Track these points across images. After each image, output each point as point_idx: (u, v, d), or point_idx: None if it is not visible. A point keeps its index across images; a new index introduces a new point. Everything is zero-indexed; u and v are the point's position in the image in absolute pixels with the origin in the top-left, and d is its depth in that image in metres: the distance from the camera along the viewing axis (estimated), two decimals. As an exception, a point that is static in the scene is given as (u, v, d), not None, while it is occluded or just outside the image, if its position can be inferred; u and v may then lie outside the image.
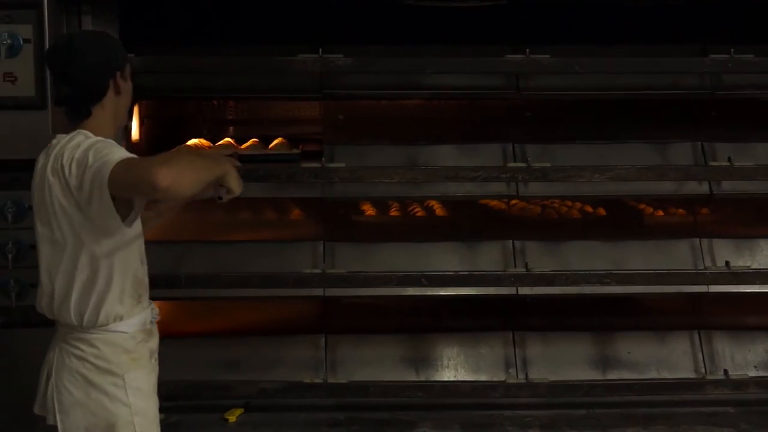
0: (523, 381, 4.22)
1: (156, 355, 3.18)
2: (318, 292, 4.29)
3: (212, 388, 4.18)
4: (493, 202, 4.97)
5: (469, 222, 4.89)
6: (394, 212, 5.05)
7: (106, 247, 2.96)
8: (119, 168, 2.80)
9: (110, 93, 3.10)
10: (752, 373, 4.37)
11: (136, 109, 4.57)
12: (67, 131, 3.08)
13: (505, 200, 4.83)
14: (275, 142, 4.36)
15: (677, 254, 4.47)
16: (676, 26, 4.48)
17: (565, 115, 4.75)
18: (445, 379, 4.39)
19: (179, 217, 4.71)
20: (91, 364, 2.98)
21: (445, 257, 4.42)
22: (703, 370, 4.41)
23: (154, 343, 3.17)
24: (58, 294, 3.02)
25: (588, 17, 4.37)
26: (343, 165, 4.21)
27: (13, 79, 3.78)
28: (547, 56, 4.18)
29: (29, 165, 3.76)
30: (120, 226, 2.95)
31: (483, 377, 4.38)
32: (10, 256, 3.79)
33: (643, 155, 4.54)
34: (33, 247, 3.76)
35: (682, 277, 4.25)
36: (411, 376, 4.37)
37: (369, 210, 4.99)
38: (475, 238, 4.50)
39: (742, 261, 4.42)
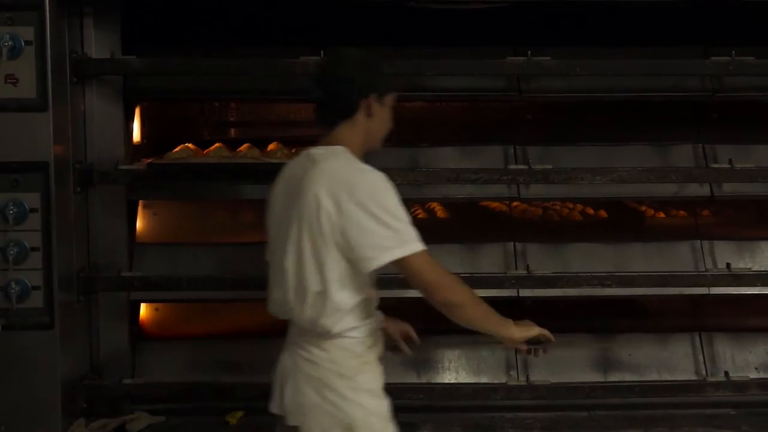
0: (524, 383, 4.22)
1: (381, 359, 3.24)
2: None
3: (212, 391, 4.17)
4: (495, 204, 4.97)
5: (471, 224, 4.89)
6: (395, 214, 5.04)
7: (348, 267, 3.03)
8: (423, 265, 3.04)
9: (361, 113, 3.12)
10: (753, 375, 4.37)
11: (137, 111, 4.57)
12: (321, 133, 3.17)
13: (507, 202, 4.83)
14: (271, 146, 4.35)
15: (678, 256, 4.47)
16: (677, 28, 4.48)
17: (566, 118, 4.75)
18: (446, 381, 4.39)
19: (180, 219, 4.74)
20: (325, 368, 3.06)
21: (446, 259, 4.39)
22: (704, 371, 4.41)
23: (380, 347, 3.23)
24: (295, 299, 3.07)
25: (589, 19, 4.37)
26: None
27: (14, 80, 3.78)
28: (549, 58, 4.18)
29: (30, 167, 3.79)
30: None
31: (484, 379, 4.38)
32: (10, 258, 3.77)
33: (644, 157, 4.54)
34: (34, 249, 3.80)
35: (683, 279, 4.25)
36: (412, 378, 4.37)
37: (370, 212, 4.98)
38: (477, 240, 4.50)
39: (743, 263, 4.42)
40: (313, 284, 3.01)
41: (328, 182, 2.98)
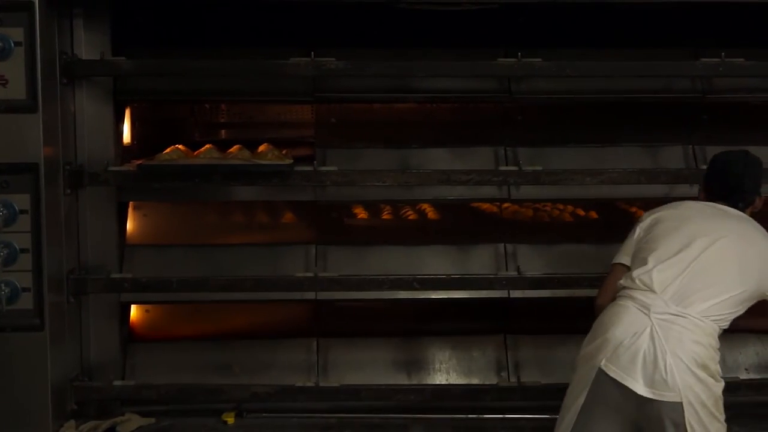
0: (515, 384, 4.23)
1: None
2: (310, 295, 4.29)
3: (205, 392, 4.17)
4: (485, 206, 4.97)
5: (461, 225, 4.90)
6: (386, 215, 5.05)
7: None
8: None
9: (755, 204, 3.63)
10: (743, 376, 4.38)
11: (127, 112, 4.56)
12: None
13: (497, 203, 4.83)
14: (261, 147, 4.35)
15: (669, 257, 4.46)
16: (667, 30, 4.49)
17: (557, 119, 4.75)
18: (437, 382, 4.39)
19: (171, 220, 4.73)
20: (710, 354, 3.28)
21: (437, 260, 4.42)
22: (694, 373, 4.40)
23: None
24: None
25: (580, 21, 4.37)
26: (335, 168, 4.21)
27: (4, 81, 3.77)
28: (539, 60, 4.18)
29: (20, 168, 3.78)
30: None
31: (475, 380, 4.39)
32: (0, 259, 3.76)
33: (634, 158, 4.55)
34: (24, 251, 3.79)
35: (673, 280, 4.25)
36: (403, 380, 4.37)
37: (361, 213, 4.99)
38: (467, 241, 4.50)
39: (733, 264, 4.42)
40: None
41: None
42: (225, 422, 4.11)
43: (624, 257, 3.56)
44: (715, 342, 3.30)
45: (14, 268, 3.81)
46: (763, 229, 3.50)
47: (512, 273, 4.26)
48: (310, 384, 4.18)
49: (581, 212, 5.03)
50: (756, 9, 4.20)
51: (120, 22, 4.22)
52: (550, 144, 4.57)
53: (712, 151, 4.51)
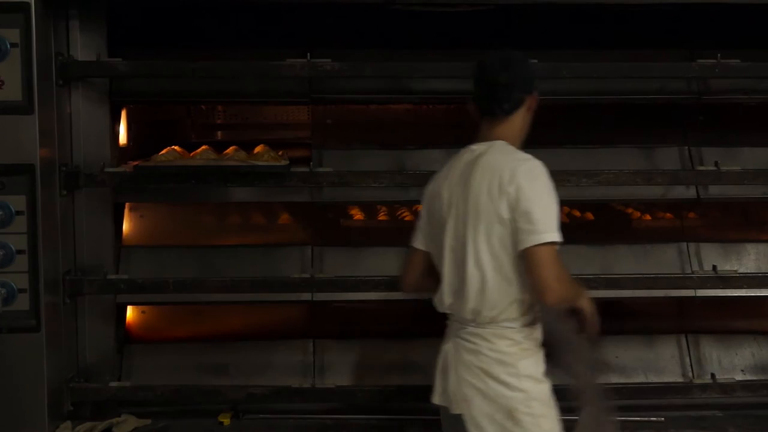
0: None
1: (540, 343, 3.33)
2: (306, 296, 4.29)
3: (201, 393, 4.17)
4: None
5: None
6: (382, 216, 5.05)
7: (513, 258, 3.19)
8: (545, 258, 3.10)
9: (523, 108, 3.35)
10: (739, 377, 4.39)
11: (123, 113, 4.56)
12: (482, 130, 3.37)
13: (493, 204, 4.83)
14: (258, 148, 4.35)
15: (665, 258, 4.47)
16: (663, 31, 4.49)
17: (553, 120, 4.72)
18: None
19: (167, 222, 4.73)
20: (486, 356, 3.21)
21: (433, 261, 4.42)
22: (690, 373, 4.42)
23: (538, 332, 3.30)
24: (457, 292, 3.26)
25: (576, 22, 4.38)
26: (331, 169, 4.21)
27: (0, 83, 3.77)
28: (535, 61, 4.16)
29: (16, 169, 3.78)
30: None
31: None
32: (-4, 260, 3.78)
33: (630, 160, 4.55)
34: (20, 252, 3.79)
35: (669, 281, 4.26)
36: (399, 381, 4.36)
37: (357, 214, 4.99)
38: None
39: (729, 265, 4.43)
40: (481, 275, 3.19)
41: (505, 177, 3.17)
42: (221, 423, 4.11)
43: None
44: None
45: (10, 269, 3.81)
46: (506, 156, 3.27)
47: (508, 274, 4.25)
48: (306, 385, 4.18)
49: (577, 213, 5.03)
50: (752, 10, 4.21)
51: (116, 23, 4.22)
52: (545, 145, 4.54)
53: (709, 152, 4.55)
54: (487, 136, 3.35)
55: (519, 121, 3.36)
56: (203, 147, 4.35)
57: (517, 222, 3.12)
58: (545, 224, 3.11)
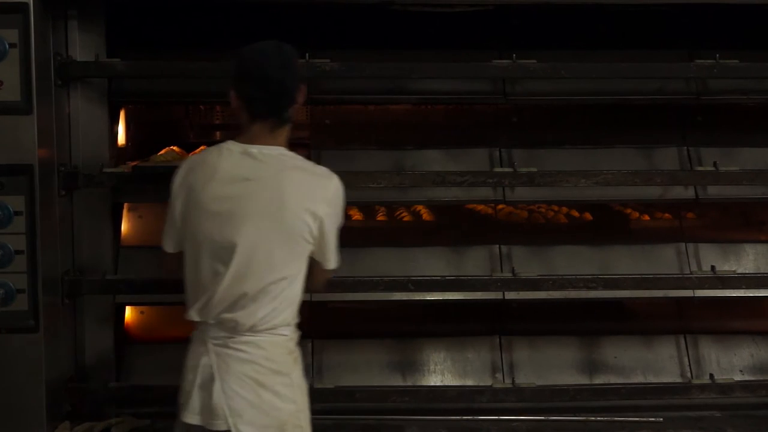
0: (510, 386, 4.22)
1: None
2: (305, 296, 4.28)
3: (198, 394, 4.16)
4: (480, 207, 4.98)
5: (456, 227, 4.90)
6: (380, 217, 5.06)
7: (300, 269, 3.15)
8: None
9: (298, 101, 3.19)
10: (738, 377, 4.39)
11: (122, 114, 4.56)
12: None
13: (492, 205, 4.85)
14: None
15: (663, 259, 4.48)
16: (662, 32, 4.50)
17: (551, 120, 4.76)
18: (432, 384, 4.39)
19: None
20: (261, 365, 3.06)
21: (431, 262, 4.42)
22: (689, 374, 4.42)
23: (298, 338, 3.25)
24: (230, 299, 3.07)
25: (575, 22, 4.38)
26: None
27: (-2, 83, 3.78)
28: (534, 61, 4.19)
29: (15, 170, 3.77)
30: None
31: (469, 382, 4.38)
32: (-6, 260, 3.78)
33: (629, 160, 4.55)
34: (18, 252, 3.79)
35: (668, 282, 4.26)
36: (397, 381, 4.37)
37: (356, 215, 4.99)
38: (462, 242, 4.50)
39: (727, 265, 4.43)
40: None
41: (306, 193, 3.12)
42: (220, 424, 4.11)
43: None
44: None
45: (9, 269, 3.80)
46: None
47: (507, 274, 4.26)
48: (305, 385, 4.18)
49: (576, 214, 5.04)
50: (751, 11, 4.21)
51: (115, 23, 4.21)
52: (544, 145, 4.57)
53: (707, 152, 4.55)
54: (265, 139, 3.15)
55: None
56: (202, 147, 4.35)
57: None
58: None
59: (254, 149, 3.12)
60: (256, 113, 3.13)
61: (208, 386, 3.08)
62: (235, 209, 3.06)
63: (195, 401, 3.12)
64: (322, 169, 3.23)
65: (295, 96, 3.15)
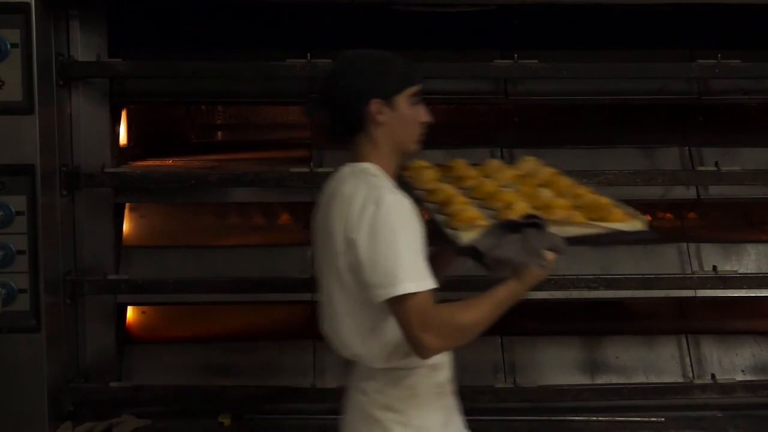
0: (511, 386, 4.22)
1: (448, 390, 3.01)
2: (307, 297, 4.27)
3: (201, 394, 4.16)
4: (480, 207, 4.97)
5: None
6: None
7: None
8: (410, 312, 2.67)
9: (370, 123, 2.84)
10: (740, 377, 4.38)
11: (124, 114, 4.56)
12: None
13: (493, 205, 4.84)
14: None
15: (665, 259, 4.47)
16: (663, 32, 4.50)
17: (553, 120, 4.76)
18: (433, 383, 4.38)
19: (167, 222, 4.73)
20: (372, 399, 2.85)
21: (433, 262, 4.41)
22: (690, 374, 4.41)
23: (441, 376, 2.97)
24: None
25: (576, 22, 4.38)
26: (331, 170, 4.17)
27: (0, 83, 3.77)
28: (536, 61, 4.19)
29: (16, 170, 3.78)
30: None
31: (470, 382, 4.38)
32: (-4, 261, 3.78)
33: (630, 160, 4.55)
34: (20, 253, 3.79)
35: (669, 282, 4.26)
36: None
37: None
38: (463, 242, 4.49)
39: (729, 265, 4.43)
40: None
41: (345, 208, 2.80)
42: (221, 424, 4.11)
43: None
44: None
45: (10, 269, 3.81)
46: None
47: (508, 274, 4.25)
48: (306, 385, 4.18)
49: (577, 214, 5.03)
50: (752, 10, 4.21)
51: (116, 23, 4.22)
52: (546, 145, 4.56)
53: (709, 152, 4.55)
54: (353, 156, 2.92)
55: (375, 136, 2.88)
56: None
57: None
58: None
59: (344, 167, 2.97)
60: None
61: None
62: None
63: None
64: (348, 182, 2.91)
65: (338, 116, 2.90)
